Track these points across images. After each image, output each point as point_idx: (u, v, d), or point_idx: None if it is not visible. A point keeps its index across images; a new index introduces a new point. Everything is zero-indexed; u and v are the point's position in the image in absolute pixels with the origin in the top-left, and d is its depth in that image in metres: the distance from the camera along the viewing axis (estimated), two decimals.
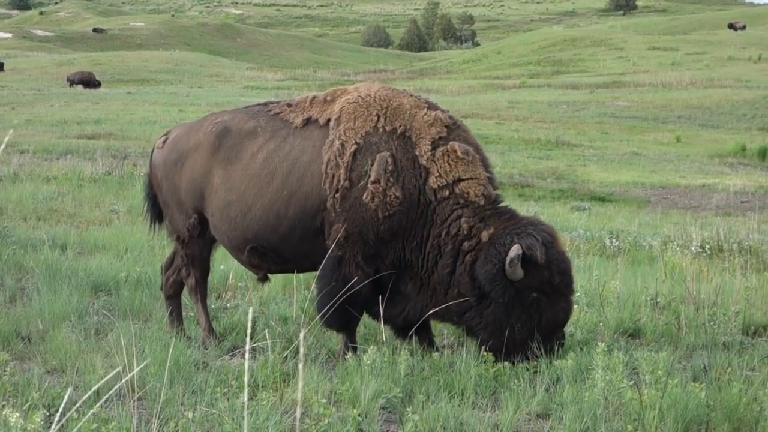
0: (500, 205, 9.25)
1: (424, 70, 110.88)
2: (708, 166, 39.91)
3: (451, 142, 9.18)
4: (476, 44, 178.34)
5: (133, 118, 48.40)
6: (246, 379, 3.63)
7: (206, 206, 9.84)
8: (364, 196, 9.02)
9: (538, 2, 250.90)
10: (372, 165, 9.06)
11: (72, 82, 78.48)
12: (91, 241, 15.10)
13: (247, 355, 3.91)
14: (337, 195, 9.09)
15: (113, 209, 19.23)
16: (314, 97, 9.80)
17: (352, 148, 9.13)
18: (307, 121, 9.56)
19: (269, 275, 10.18)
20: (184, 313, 10.57)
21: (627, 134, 50.63)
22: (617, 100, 64.32)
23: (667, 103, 62.08)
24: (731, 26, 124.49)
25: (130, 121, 46.84)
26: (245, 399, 4.03)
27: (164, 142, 10.29)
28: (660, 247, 16.57)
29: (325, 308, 9.17)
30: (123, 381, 5.82)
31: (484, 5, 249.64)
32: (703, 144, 47.27)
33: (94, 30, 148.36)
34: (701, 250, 16.21)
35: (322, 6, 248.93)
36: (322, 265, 9.28)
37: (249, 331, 3.77)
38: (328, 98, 9.69)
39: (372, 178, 9.02)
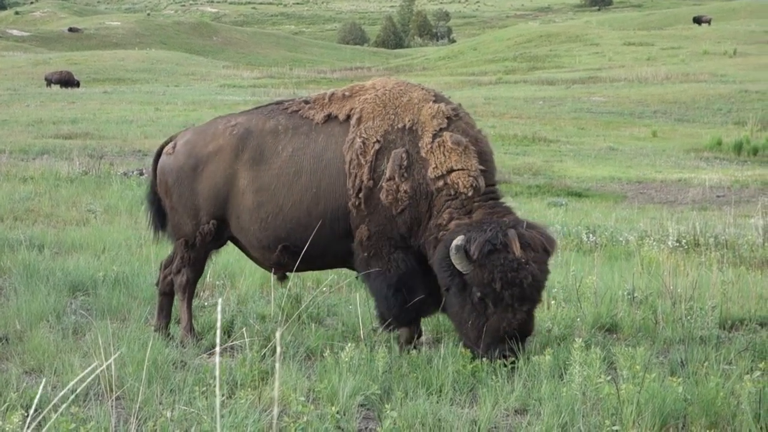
0: (492, 198, 9.21)
1: (401, 67, 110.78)
2: (684, 160, 40.04)
3: (444, 133, 9.19)
4: (452, 41, 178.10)
5: (110, 118, 48.25)
6: (217, 374, 3.64)
7: (230, 210, 9.73)
8: (381, 195, 9.09)
9: None
10: (387, 162, 9.11)
11: (50, 82, 76.35)
12: (69, 241, 15.06)
13: (218, 347, 3.92)
14: (360, 195, 9.14)
15: (90, 209, 19.17)
16: (333, 94, 9.81)
17: (375, 147, 9.17)
18: (328, 118, 9.57)
19: (288, 273, 10.18)
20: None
21: (603, 129, 50.73)
22: (593, 96, 64.42)
23: (643, 98, 62.23)
24: (697, 20, 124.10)
25: (106, 121, 46.67)
26: (217, 390, 4.04)
27: (174, 147, 10.07)
28: (637, 242, 16.64)
29: (394, 310, 9.29)
30: (96, 372, 5.81)
31: (459, 2, 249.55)
32: (679, 138, 47.40)
33: (70, 29, 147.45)
34: (678, 245, 16.30)
35: (297, 4, 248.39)
36: (368, 275, 9.35)
37: (219, 321, 3.78)
38: (347, 94, 9.72)
39: (387, 176, 9.07)
